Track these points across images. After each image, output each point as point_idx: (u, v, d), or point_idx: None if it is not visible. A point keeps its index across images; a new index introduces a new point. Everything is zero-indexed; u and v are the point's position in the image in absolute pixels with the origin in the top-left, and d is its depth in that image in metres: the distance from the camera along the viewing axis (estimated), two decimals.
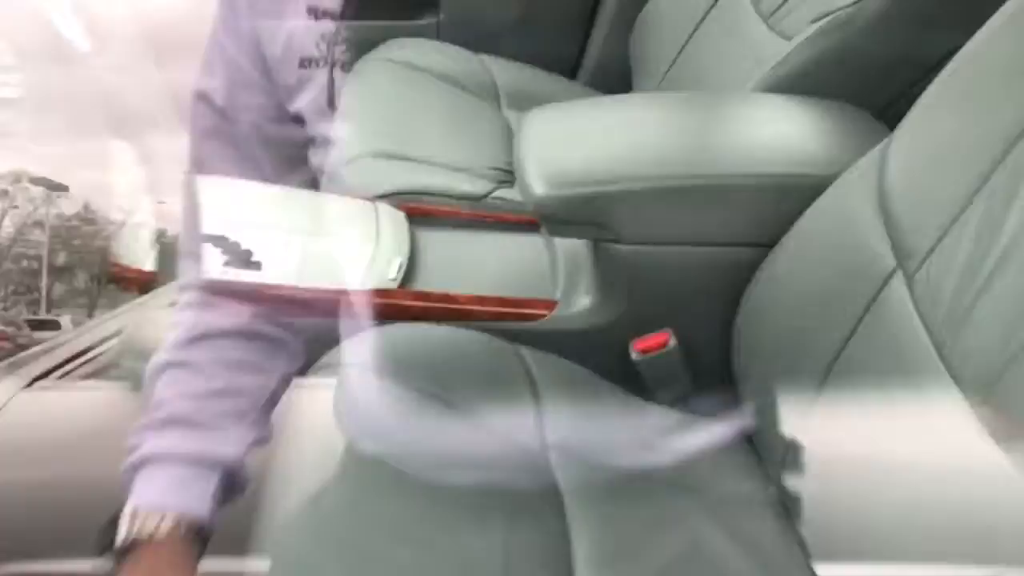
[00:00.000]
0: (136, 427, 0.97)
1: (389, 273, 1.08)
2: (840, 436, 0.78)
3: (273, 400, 1.03)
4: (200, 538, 0.91)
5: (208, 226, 0.99)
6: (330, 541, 0.77)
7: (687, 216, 0.98)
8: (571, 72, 1.61)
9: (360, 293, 1.05)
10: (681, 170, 0.98)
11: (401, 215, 1.14)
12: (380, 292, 1.06)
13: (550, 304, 1.05)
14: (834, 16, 1.05)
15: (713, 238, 0.98)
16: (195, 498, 0.91)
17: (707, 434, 0.89)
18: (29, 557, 1.44)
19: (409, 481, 0.79)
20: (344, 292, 1.06)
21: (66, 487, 1.50)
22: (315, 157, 1.17)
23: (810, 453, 0.81)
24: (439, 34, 1.60)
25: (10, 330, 15.36)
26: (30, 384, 1.74)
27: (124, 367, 1.65)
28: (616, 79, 1.53)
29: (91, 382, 1.77)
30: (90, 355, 1.82)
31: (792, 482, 0.82)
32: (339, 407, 0.87)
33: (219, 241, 0.99)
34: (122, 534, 0.88)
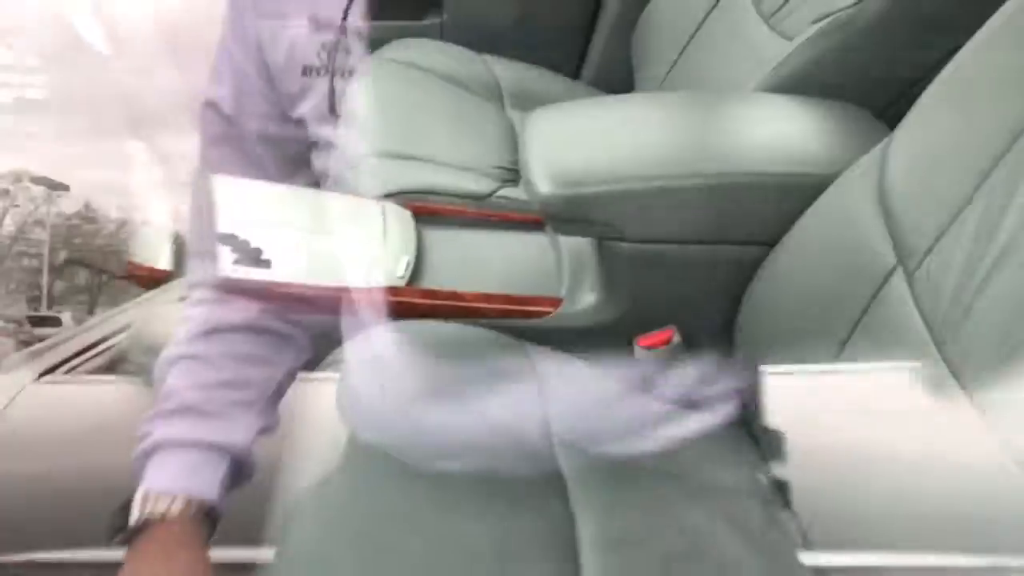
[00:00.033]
0: (148, 416, 1.00)
1: (397, 271, 1.10)
2: (841, 428, 0.79)
3: (279, 392, 1.06)
4: (209, 520, 0.94)
5: (218, 224, 1.02)
6: (334, 530, 0.79)
7: (690, 214, 0.99)
8: (574, 72, 1.62)
9: (368, 291, 1.07)
10: (684, 169, 1.00)
11: (408, 214, 1.15)
12: (388, 290, 1.07)
13: (555, 301, 1.06)
14: (835, 17, 1.06)
15: (715, 236, 0.99)
16: (204, 482, 0.93)
17: (700, 422, 0.91)
18: (39, 547, 1.45)
19: (412, 471, 0.81)
20: (353, 290, 1.08)
21: (74, 478, 1.52)
22: (317, 160, 1.18)
23: (810, 445, 0.82)
24: (442, 34, 1.61)
25: (11, 327, 15.42)
26: (39, 378, 1.76)
27: (132, 361, 1.67)
28: (618, 79, 1.54)
29: (100, 376, 1.78)
30: (98, 350, 1.84)
31: (792, 472, 0.84)
32: (342, 400, 0.89)
33: (229, 239, 1.02)
34: (135, 516, 0.91)
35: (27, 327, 15.27)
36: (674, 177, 0.98)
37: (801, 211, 0.92)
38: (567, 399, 0.92)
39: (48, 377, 1.77)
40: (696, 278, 1.01)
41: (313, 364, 1.16)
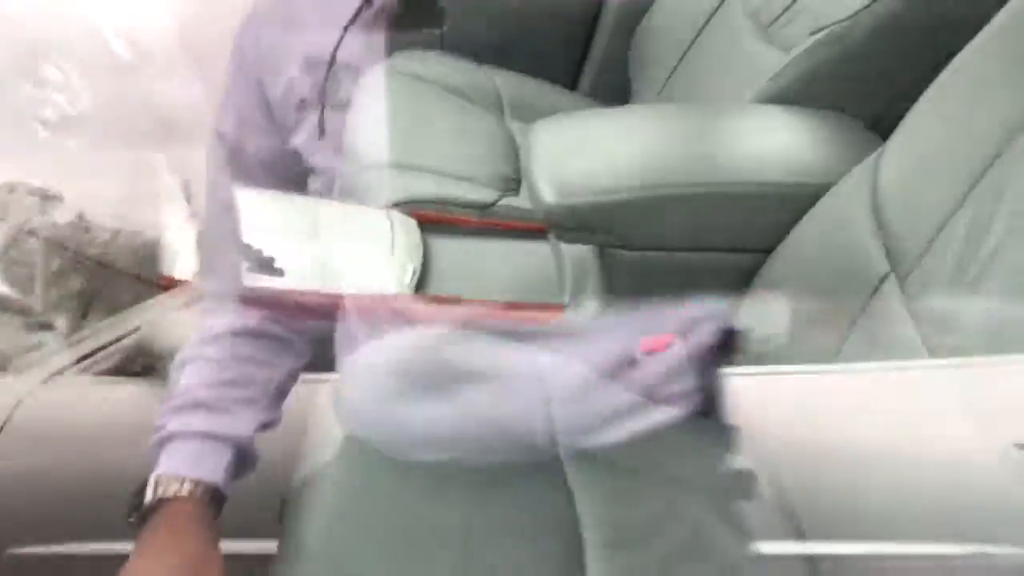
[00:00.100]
0: (161, 411, 1.07)
1: (404, 279, 1.13)
2: (836, 425, 0.82)
3: (281, 390, 1.14)
4: (215, 501, 1.04)
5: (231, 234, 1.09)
6: (332, 521, 0.86)
7: (689, 223, 1.02)
8: (571, 83, 1.65)
9: (376, 298, 1.11)
10: (682, 179, 1.03)
11: (413, 223, 1.18)
12: (395, 297, 1.11)
13: (559, 308, 1.09)
14: (830, 30, 1.09)
15: (714, 244, 1.02)
16: (210, 468, 1.04)
17: (665, 414, 0.96)
18: (45, 541, 1.48)
19: (406, 466, 0.87)
20: (361, 298, 1.12)
21: (81, 475, 1.54)
22: (313, 185, 1.24)
23: (807, 441, 0.85)
24: (442, 46, 1.64)
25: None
26: (47, 380, 1.78)
27: (140, 364, 1.70)
28: (615, 89, 1.57)
29: (107, 378, 1.81)
30: (107, 352, 1.86)
31: (789, 466, 0.87)
32: (338, 398, 1.00)
33: (242, 248, 1.08)
34: (148, 497, 1.02)
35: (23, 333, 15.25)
36: (672, 186, 1.02)
37: (797, 219, 0.96)
38: (541, 392, 0.98)
39: (56, 379, 1.80)
40: (696, 284, 1.04)
41: (315, 366, 1.21)
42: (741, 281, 1.00)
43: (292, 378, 1.15)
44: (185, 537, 1.02)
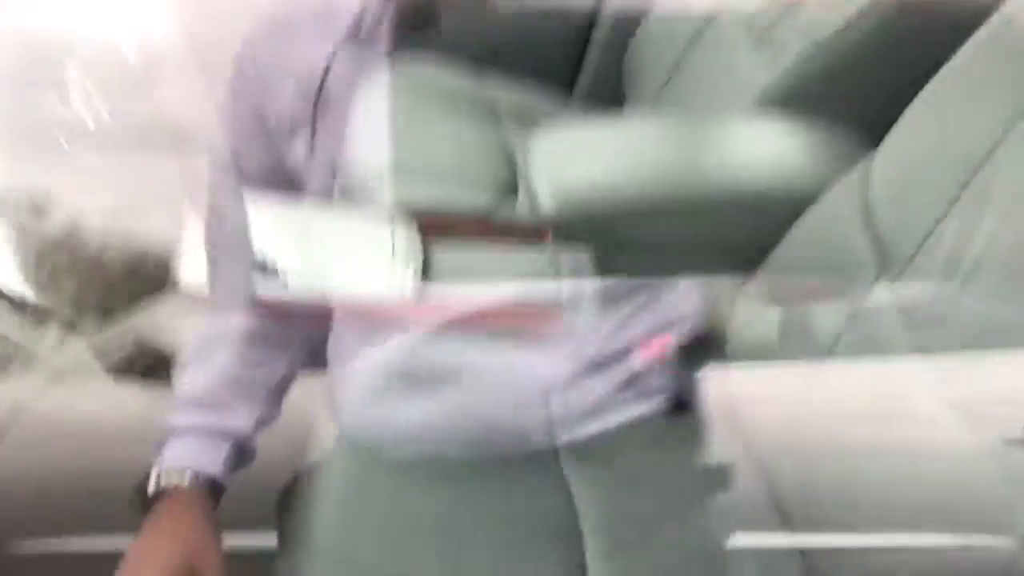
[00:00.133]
0: (168, 410, 1.18)
1: (404, 284, 1.15)
2: (827, 419, 0.85)
3: (280, 389, 1.23)
4: (214, 491, 1.14)
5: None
6: (336, 516, 0.91)
7: (683, 230, 1.04)
8: (567, 90, 1.66)
9: (378, 303, 1.14)
10: (677, 188, 1.05)
11: (413, 229, 1.21)
12: (396, 302, 1.13)
13: (556, 311, 1.12)
14: (822, 39, 1.11)
15: (709, 250, 1.05)
16: (209, 460, 1.13)
17: (641, 408, 1.04)
18: (48, 536, 1.50)
19: (405, 463, 0.92)
20: (362, 302, 1.15)
21: (84, 474, 1.57)
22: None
23: (800, 436, 0.88)
24: (438, 51, 1.65)
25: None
26: (51, 380, 1.81)
27: (141, 365, 1.74)
28: (611, 96, 1.58)
29: (108, 380, 1.84)
30: (109, 354, 1.89)
31: (782, 459, 0.90)
32: (331, 397, 1.10)
33: (242, 256, 1.15)
34: (152, 486, 1.12)
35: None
36: (668, 195, 1.04)
37: (790, 224, 0.98)
38: (522, 387, 1.06)
39: (59, 381, 1.83)
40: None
41: (312, 366, 1.26)
42: (736, 285, 1.03)
43: (290, 377, 1.24)
44: (185, 523, 1.09)
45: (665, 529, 0.94)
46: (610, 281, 1.10)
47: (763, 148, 1.09)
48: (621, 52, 1.75)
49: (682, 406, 1.10)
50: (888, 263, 0.84)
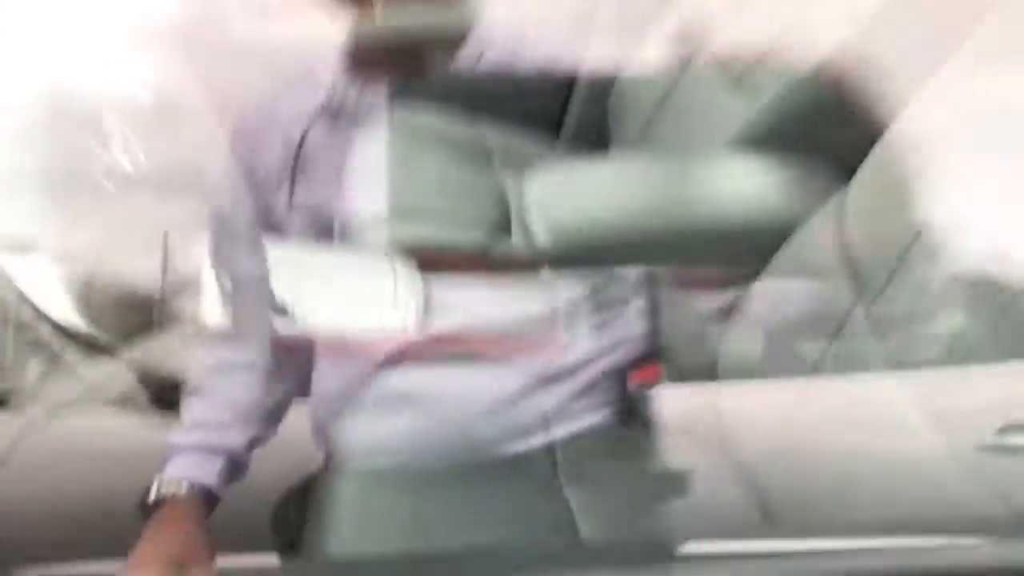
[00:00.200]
0: (172, 431, 1.29)
1: (406, 319, 1.20)
2: (815, 432, 0.90)
3: (275, 413, 1.33)
4: (208, 501, 1.24)
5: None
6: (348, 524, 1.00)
7: (670, 262, 1.09)
8: (554, 132, 1.71)
9: (381, 338, 1.20)
10: (664, 222, 1.10)
11: (414, 266, 1.25)
12: (399, 336, 1.19)
13: (554, 343, 1.16)
14: (796, 81, 1.17)
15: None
16: (204, 472, 1.24)
17: (589, 420, 1.16)
18: (51, 562, 1.53)
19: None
20: (366, 337, 1.20)
21: (84, 502, 1.59)
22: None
23: (788, 446, 0.93)
24: (431, 99, 1.70)
25: None
26: (49, 413, 1.85)
27: (141, 395, 1.78)
28: (596, 138, 1.63)
29: (110, 409, 1.88)
30: (110, 385, 1.93)
31: (772, 467, 0.95)
32: (311, 417, 1.23)
33: (239, 296, 1.32)
34: (153, 496, 1.22)
35: None
36: (655, 229, 1.09)
37: (770, 257, 1.03)
38: (468, 404, 1.16)
39: (60, 412, 1.86)
40: (682, 332, 1.11)
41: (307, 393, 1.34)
42: (723, 314, 1.08)
43: (287, 402, 1.34)
44: (180, 528, 1.21)
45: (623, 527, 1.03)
46: (562, 305, 1.16)
47: (743, 184, 1.14)
48: (605, 96, 1.80)
49: (634, 417, 1.19)
50: (864, 288, 0.89)
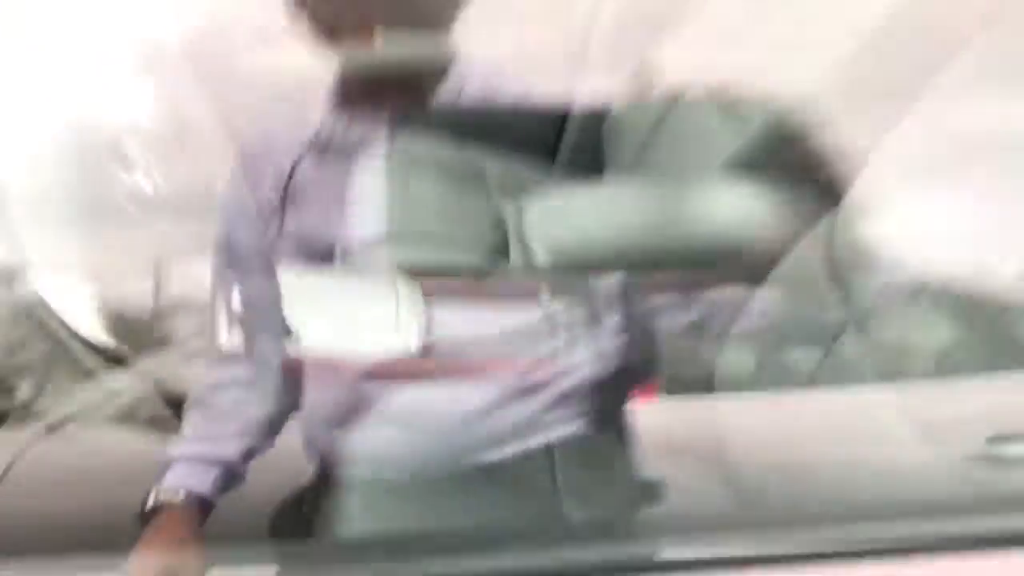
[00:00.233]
0: (171, 443, 1.34)
1: (410, 341, 1.23)
2: (805, 442, 0.92)
3: (271, 427, 1.38)
4: (202, 509, 1.30)
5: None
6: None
7: (664, 284, 1.12)
8: (550, 158, 1.73)
9: (385, 360, 1.23)
10: (660, 245, 1.13)
11: (416, 289, 1.28)
12: (402, 358, 1.22)
13: (553, 363, 1.19)
14: (785, 109, 1.19)
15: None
16: (199, 482, 1.30)
17: (565, 429, 1.21)
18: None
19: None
20: (370, 360, 1.23)
21: (85, 519, 1.61)
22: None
23: (783, 454, 0.95)
24: (429, 128, 1.72)
25: None
26: (50, 430, 1.87)
27: (144, 412, 1.81)
28: (591, 164, 1.65)
29: (110, 427, 1.90)
30: (110, 402, 1.95)
31: (767, 473, 0.98)
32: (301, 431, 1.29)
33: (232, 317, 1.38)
34: (151, 503, 1.28)
35: None
36: (652, 251, 1.12)
37: (763, 278, 1.06)
38: (440, 418, 1.22)
39: (59, 430, 1.88)
40: (678, 348, 1.14)
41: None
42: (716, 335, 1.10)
43: (283, 417, 1.38)
44: (176, 534, 1.26)
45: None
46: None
47: (735, 208, 1.17)
48: (601, 123, 1.82)
49: (608, 427, 1.24)
50: (855, 312, 0.91)
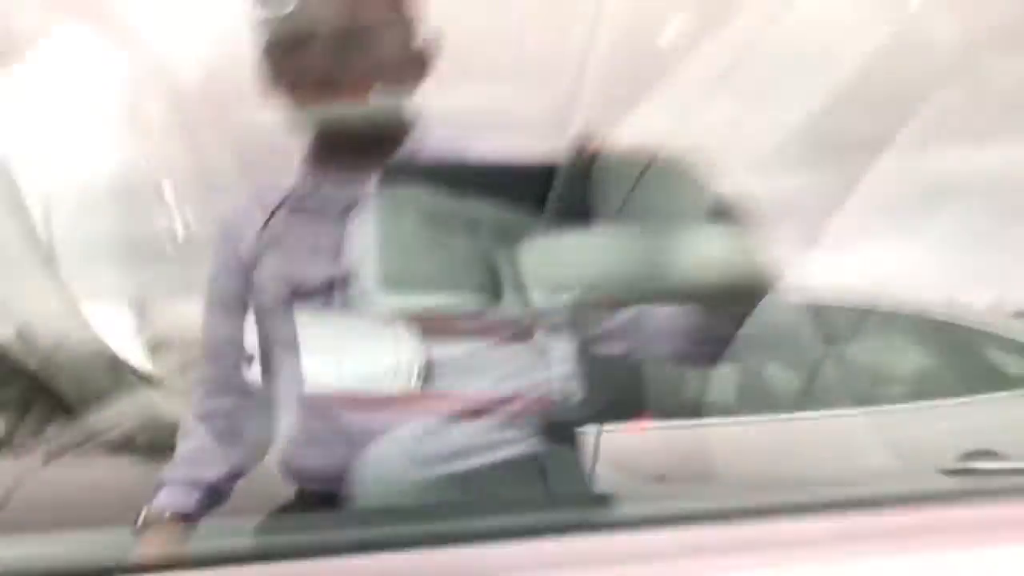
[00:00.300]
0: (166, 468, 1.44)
1: (410, 379, 1.26)
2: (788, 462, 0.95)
3: (256, 448, 1.46)
4: (188, 524, 1.39)
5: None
6: None
7: (652, 322, 1.16)
8: (538, 207, 1.76)
9: (386, 396, 1.27)
10: (645, 287, 1.17)
11: (414, 330, 1.31)
12: (403, 395, 1.26)
13: (549, 400, 1.23)
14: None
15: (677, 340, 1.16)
16: (184, 502, 1.40)
17: (500, 453, 1.26)
18: None
19: None
20: (373, 395, 1.27)
21: (79, 546, 1.62)
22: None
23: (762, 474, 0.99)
24: (421, 178, 1.76)
25: None
26: (46, 461, 1.89)
27: (139, 442, 1.84)
28: (579, 212, 1.69)
29: (106, 456, 1.93)
30: (106, 433, 1.97)
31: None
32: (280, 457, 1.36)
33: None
34: (140, 521, 1.38)
35: None
36: (636, 291, 1.16)
37: (746, 315, 1.10)
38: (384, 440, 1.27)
39: (57, 460, 1.90)
40: (663, 375, 1.18)
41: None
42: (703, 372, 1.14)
43: (263, 444, 1.46)
44: (162, 548, 1.36)
45: None
46: (484, 350, 1.26)
47: (719, 251, 1.21)
48: (588, 173, 1.85)
49: (558, 447, 1.29)
50: (833, 341, 0.96)
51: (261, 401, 1.41)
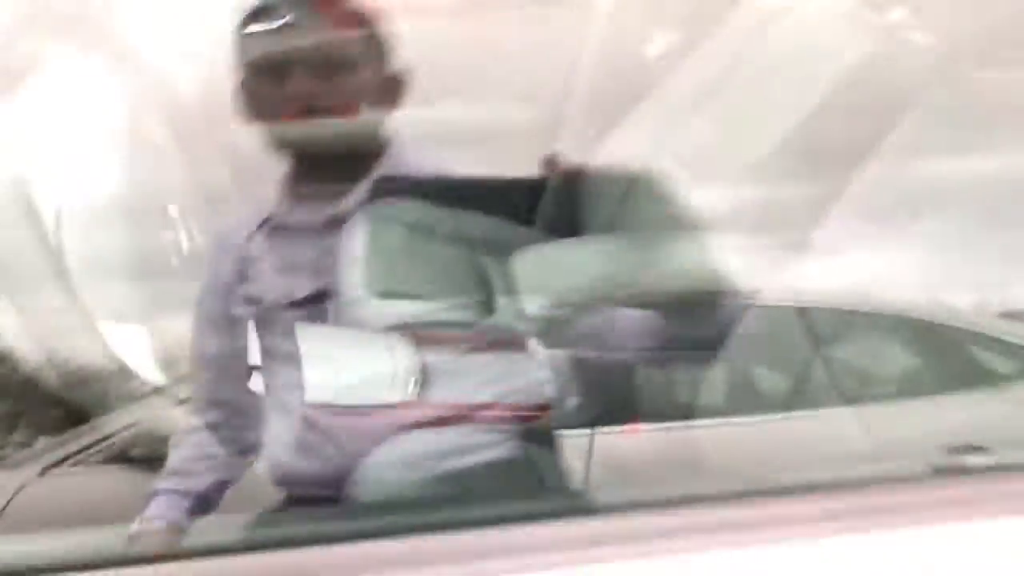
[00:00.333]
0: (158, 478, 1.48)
1: (407, 390, 1.27)
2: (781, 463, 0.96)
3: (244, 458, 1.50)
4: (178, 531, 1.44)
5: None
6: None
7: (647, 329, 1.17)
8: (528, 221, 1.77)
9: (384, 407, 1.28)
10: (637, 292, 1.18)
11: (410, 342, 1.32)
12: (401, 406, 1.26)
13: (544, 408, 1.24)
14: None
15: (669, 347, 1.17)
16: (173, 512, 1.46)
17: (482, 456, 1.27)
18: None
19: None
20: (371, 407, 1.28)
21: (76, 555, 1.62)
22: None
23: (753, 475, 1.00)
24: (413, 195, 1.76)
25: None
26: (43, 472, 1.90)
27: (135, 453, 1.86)
28: (568, 225, 1.69)
29: (102, 467, 1.94)
30: (102, 445, 1.98)
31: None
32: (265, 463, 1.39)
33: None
34: (135, 528, 1.42)
35: None
36: (631, 298, 1.17)
37: (735, 320, 1.11)
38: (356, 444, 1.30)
39: (53, 471, 1.90)
40: (656, 380, 1.18)
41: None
42: (697, 377, 1.14)
43: (253, 451, 1.48)
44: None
45: None
46: (459, 358, 1.28)
47: (707, 259, 1.22)
48: (577, 188, 1.86)
49: (538, 449, 1.31)
50: (820, 345, 0.97)
51: (250, 411, 1.43)
